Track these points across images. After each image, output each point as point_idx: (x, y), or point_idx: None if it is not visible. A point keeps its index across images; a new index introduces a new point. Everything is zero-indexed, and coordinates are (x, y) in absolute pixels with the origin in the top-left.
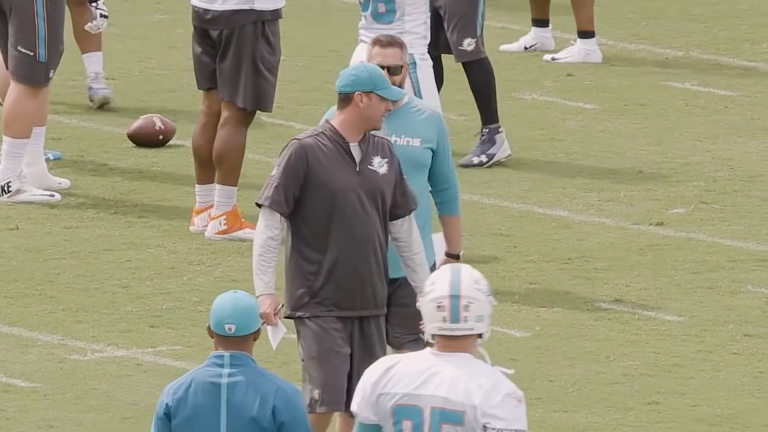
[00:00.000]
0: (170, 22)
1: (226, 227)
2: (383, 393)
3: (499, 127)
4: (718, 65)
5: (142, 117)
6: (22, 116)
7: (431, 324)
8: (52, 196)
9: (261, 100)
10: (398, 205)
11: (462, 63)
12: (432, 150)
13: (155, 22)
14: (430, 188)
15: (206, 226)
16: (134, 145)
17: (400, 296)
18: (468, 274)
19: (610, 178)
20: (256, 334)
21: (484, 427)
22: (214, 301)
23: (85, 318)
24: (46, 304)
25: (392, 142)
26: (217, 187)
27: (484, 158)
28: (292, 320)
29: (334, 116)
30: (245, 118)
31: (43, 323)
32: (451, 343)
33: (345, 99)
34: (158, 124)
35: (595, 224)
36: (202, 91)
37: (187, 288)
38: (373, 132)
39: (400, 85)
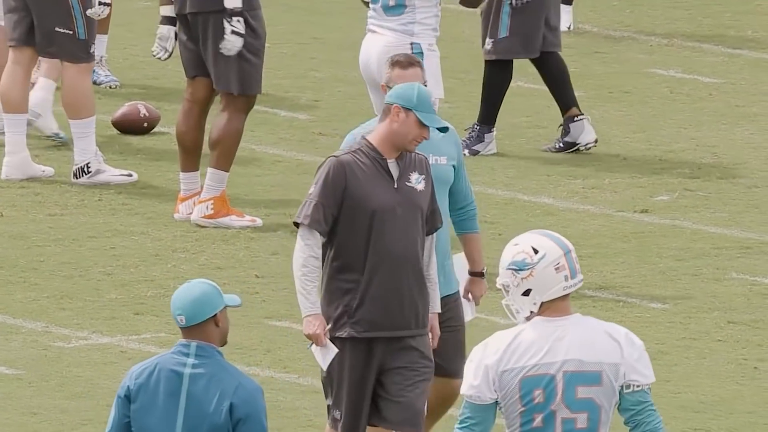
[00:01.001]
0: (154, 9)
1: (212, 212)
2: (507, 369)
3: (492, 128)
4: (703, 52)
5: (126, 104)
6: (79, 95)
7: (553, 288)
8: (130, 176)
9: (247, 84)
10: (426, 222)
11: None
12: (454, 167)
13: (139, 9)
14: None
15: (191, 213)
16: (119, 132)
17: (446, 319)
18: (556, 233)
19: (594, 166)
20: (214, 319)
21: (628, 385)
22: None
23: (69, 305)
24: (31, 291)
25: None
26: (208, 171)
27: (466, 152)
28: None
29: (371, 131)
30: (241, 104)
31: (27, 310)
32: (560, 304)
33: (386, 110)
34: (143, 111)
35: (580, 211)
36: (187, 78)
37: (171, 275)
38: None
39: None
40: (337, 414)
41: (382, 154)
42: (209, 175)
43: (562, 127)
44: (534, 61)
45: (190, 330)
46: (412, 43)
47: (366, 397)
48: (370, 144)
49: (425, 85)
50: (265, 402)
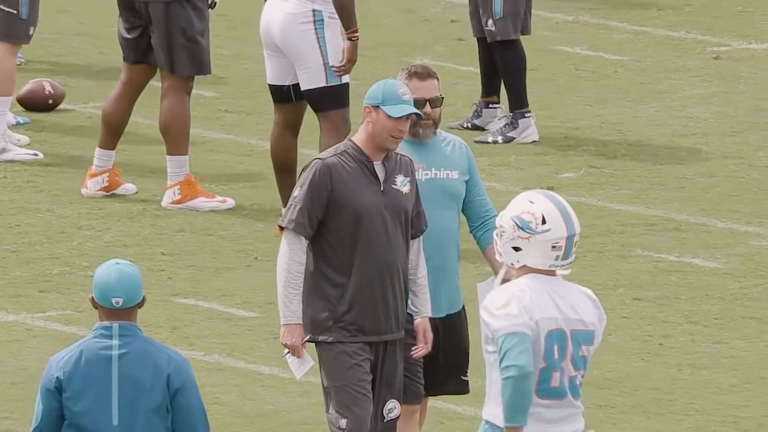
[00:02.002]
0: None
1: (180, 197)
2: (540, 318)
3: (527, 111)
4: (608, 29)
5: (31, 81)
6: (2, 74)
7: (542, 261)
8: (36, 155)
9: (198, 64)
10: (412, 226)
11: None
12: (465, 181)
13: None
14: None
15: (99, 189)
16: (24, 109)
17: (452, 333)
18: (571, 208)
19: (489, 143)
20: (141, 303)
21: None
22: (97, 272)
23: None
24: None
25: (432, 176)
26: (167, 159)
27: (499, 138)
28: (313, 344)
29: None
30: (185, 85)
31: None
32: (550, 272)
33: (363, 113)
34: (48, 88)
35: (486, 189)
36: (125, 63)
37: (77, 253)
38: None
39: (439, 117)
40: (342, 423)
41: (369, 156)
42: (169, 163)
43: (476, 108)
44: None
45: (120, 312)
46: (314, 10)
47: (366, 402)
48: (356, 146)
49: (441, 97)
50: (192, 373)
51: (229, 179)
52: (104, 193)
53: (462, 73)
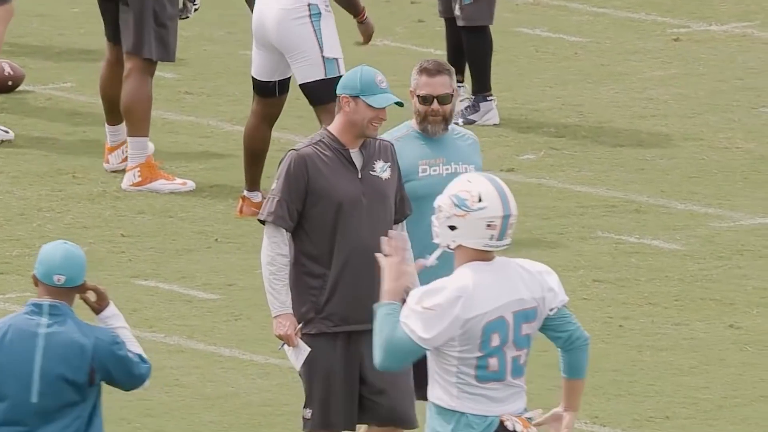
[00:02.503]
0: None
1: (140, 179)
2: (471, 318)
3: (489, 95)
4: (568, 11)
5: None
6: None
7: (476, 240)
8: (7, 132)
9: (165, 50)
10: (395, 211)
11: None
12: None
13: None
14: None
15: (121, 162)
16: None
17: None
18: (509, 190)
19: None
20: (81, 289)
21: (551, 309)
22: (42, 250)
23: None
24: None
25: (453, 170)
26: (128, 140)
27: (460, 121)
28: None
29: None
30: (149, 68)
31: None
32: (483, 254)
33: (338, 103)
34: (7, 69)
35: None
36: (108, 42)
37: (36, 234)
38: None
39: (450, 113)
40: (306, 413)
41: (344, 145)
42: (130, 144)
43: None
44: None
45: (59, 291)
46: (309, 4)
47: (344, 394)
48: (332, 135)
49: (452, 95)
50: (125, 351)
51: (189, 161)
52: (139, 188)
53: (422, 55)
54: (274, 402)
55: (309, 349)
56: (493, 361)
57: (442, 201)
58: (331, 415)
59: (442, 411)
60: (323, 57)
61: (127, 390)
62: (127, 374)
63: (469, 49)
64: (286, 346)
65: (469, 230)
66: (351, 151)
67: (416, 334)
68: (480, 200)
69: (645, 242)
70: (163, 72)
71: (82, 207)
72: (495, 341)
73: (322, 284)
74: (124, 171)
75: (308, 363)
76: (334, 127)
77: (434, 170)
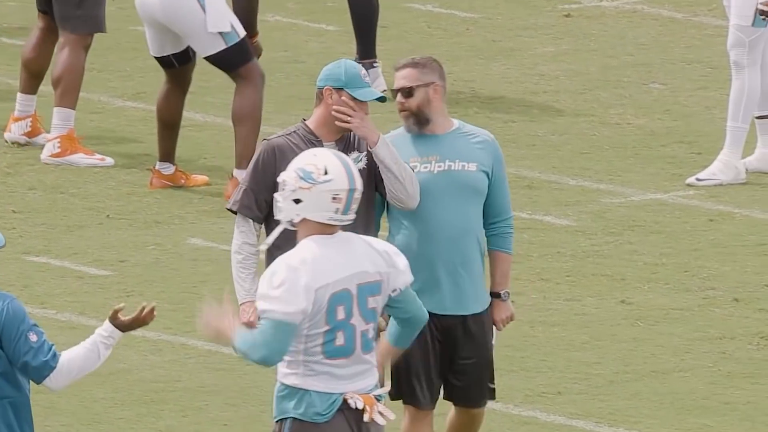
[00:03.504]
0: None
1: (59, 150)
2: (321, 287)
3: (375, 61)
4: None
5: None
6: None
7: (321, 213)
8: None
9: (93, 22)
10: (378, 191)
11: None
12: (488, 175)
13: None
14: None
15: (22, 134)
16: None
17: (479, 333)
18: (356, 168)
19: None
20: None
21: (394, 289)
22: None
23: None
24: None
25: (446, 168)
26: (54, 110)
27: None
28: None
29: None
30: (83, 41)
31: None
32: (327, 228)
33: (319, 94)
34: None
35: None
36: (39, 12)
37: None
38: None
39: (418, 107)
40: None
41: (319, 137)
42: (55, 115)
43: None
44: None
45: None
46: None
47: None
48: (307, 127)
49: (412, 87)
50: (30, 331)
51: (80, 136)
52: (27, 138)
53: (315, 31)
54: (166, 378)
55: None
56: (341, 335)
57: (286, 175)
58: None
59: (286, 388)
60: (217, 32)
61: (28, 377)
62: (16, 352)
63: (353, 13)
64: None
65: (314, 203)
66: (325, 143)
67: (280, 311)
68: (326, 173)
69: (537, 218)
70: None
71: None
72: (341, 314)
73: None
74: (20, 144)
75: None
76: (312, 119)
77: (425, 167)
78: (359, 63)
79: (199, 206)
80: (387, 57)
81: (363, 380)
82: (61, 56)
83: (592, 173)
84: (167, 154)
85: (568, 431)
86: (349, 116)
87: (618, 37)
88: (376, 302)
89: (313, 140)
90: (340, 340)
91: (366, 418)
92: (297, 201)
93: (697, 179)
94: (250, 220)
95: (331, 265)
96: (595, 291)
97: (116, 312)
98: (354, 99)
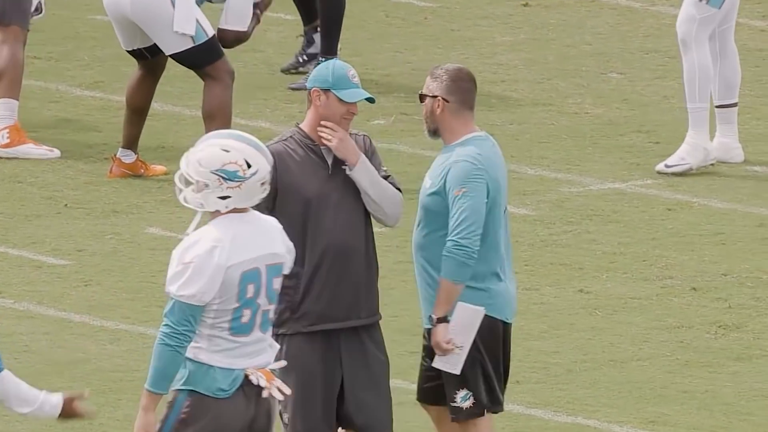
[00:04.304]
0: None
1: (8, 141)
2: (231, 265)
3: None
4: None
5: None
6: None
7: (252, 199)
8: None
9: (24, 15)
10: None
11: None
12: (440, 195)
13: None
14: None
15: None
16: None
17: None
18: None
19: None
20: None
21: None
22: None
23: None
24: None
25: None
26: (0, 102)
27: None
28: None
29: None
30: (20, 34)
31: None
32: (242, 208)
33: (308, 96)
34: None
35: None
36: None
37: None
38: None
39: (425, 116)
40: (285, 418)
41: (315, 141)
42: (1, 106)
43: (304, 38)
44: None
45: None
46: None
47: (324, 397)
48: (302, 131)
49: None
50: None
51: (38, 126)
52: (6, 150)
53: (273, 20)
54: (124, 368)
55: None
56: (248, 313)
57: (202, 176)
58: (310, 420)
59: (191, 363)
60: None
61: None
62: None
63: (323, 10)
64: None
65: (245, 195)
66: (322, 147)
67: (178, 293)
68: (249, 166)
69: None
70: None
71: None
72: (250, 292)
73: (296, 283)
74: None
75: (289, 366)
76: (306, 123)
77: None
78: (321, 58)
79: (157, 195)
80: (345, 46)
81: (263, 356)
82: (2, 50)
83: (550, 162)
84: (131, 141)
85: (527, 420)
86: (330, 137)
87: (576, 26)
88: (278, 283)
89: (310, 144)
90: (245, 317)
91: (265, 393)
92: (225, 197)
93: (666, 165)
94: None
95: (244, 243)
96: (553, 280)
97: (74, 398)
98: (340, 100)
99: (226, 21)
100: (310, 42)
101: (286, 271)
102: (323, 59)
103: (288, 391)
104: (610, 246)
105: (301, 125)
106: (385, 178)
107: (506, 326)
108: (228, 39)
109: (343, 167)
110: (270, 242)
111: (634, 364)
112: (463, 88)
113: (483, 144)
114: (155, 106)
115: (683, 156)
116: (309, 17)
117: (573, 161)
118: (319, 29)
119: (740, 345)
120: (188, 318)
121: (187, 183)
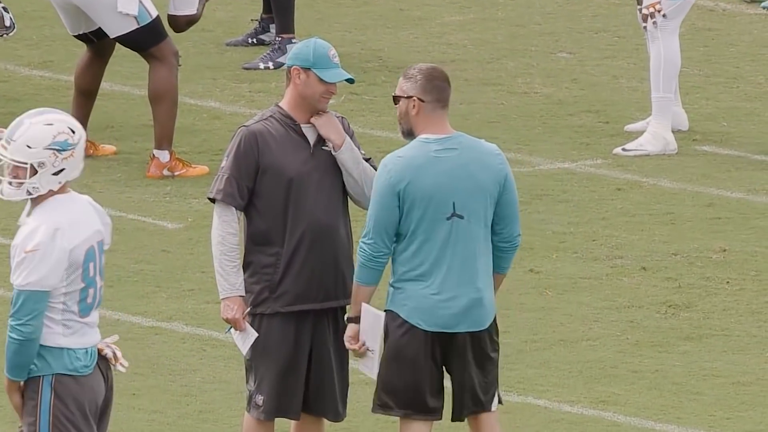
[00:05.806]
0: None
1: None
2: (74, 247)
3: (293, 37)
4: None
5: None
6: None
7: (77, 169)
8: None
9: None
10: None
11: None
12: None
13: None
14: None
15: None
16: None
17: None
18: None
19: (260, 70)
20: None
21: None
22: None
23: None
24: None
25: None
26: None
27: (270, 65)
28: (250, 317)
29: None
30: None
31: None
32: (65, 187)
33: (288, 73)
34: None
35: (246, 115)
36: None
37: None
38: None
39: (399, 118)
40: (258, 399)
41: (295, 119)
42: None
43: (259, 23)
44: None
45: None
46: None
47: (297, 378)
48: (282, 110)
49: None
50: None
51: None
52: None
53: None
54: None
55: (257, 335)
56: (92, 292)
57: (34, 158)
58: (285, 401)
59: (50, 351)
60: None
61: None
62: None
63: None
64: (233, 330)
65: (75, 164)
66: (303, 126)
67: (24, 282)
68: (73, 131)
69: None
70: None
71: None
72: (91, 271)
73: (275, 262)
74: None
75: (261, 346)
76: (286, 102)
77: None
78: (279, 39)
79: (107, 175)
80: (296, 27)
81: (96, 334)
82: None
83: (499, 142)
84: (80, 122)
85: None
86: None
87: (525, 6)
88: (103, 259)
89: (290, 123)
90: (91, 296)
91: (118, 366)
92: (59, 172)
93: (624, 149)
94: (233, 208)
95: (78, 223)
96: None
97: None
98: (321, 80)
99: (175, 7)
100: (264, 29)
101: (107, 246)
102: (279, 39)
103: (126, 363)
104: (560, 226)
105: (280, 104)
106: (366, 160)
107: (432, 335)
108: (180, 23)
109: (324, 147)
110: (94, 220)
111: (585, 344)
112: (438, 87)
113: (425, 146)
114: (105, 85)
115: (643, 143)
116: (269, 6)
117: (522, 141)
118: (274, 14)
119: (690, 324)
120: (36, 308)
121: (15, 173)
